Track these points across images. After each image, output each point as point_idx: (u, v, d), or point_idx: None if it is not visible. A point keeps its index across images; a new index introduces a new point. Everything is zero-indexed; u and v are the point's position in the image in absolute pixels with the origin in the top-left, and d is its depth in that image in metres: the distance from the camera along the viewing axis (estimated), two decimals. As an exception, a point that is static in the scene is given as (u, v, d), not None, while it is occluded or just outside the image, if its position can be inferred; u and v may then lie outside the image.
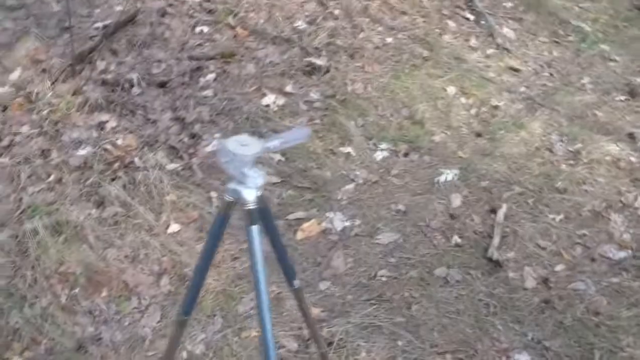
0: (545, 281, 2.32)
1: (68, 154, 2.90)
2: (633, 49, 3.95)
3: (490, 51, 3.89)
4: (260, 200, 1.28)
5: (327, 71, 3.43)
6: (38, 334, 2.21)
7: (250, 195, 1.27)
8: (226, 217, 1.35)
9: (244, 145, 1.24)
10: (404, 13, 4.06)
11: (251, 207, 1.27)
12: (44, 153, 2.91)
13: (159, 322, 2.28)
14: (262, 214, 1.30)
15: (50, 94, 3.15)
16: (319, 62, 3.48)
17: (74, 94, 3.17)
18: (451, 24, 4.07)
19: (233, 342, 2.16)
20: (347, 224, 2.73)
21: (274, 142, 1.29)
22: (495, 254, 2.44)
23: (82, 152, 2.92)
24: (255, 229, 1.28)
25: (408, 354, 2.08)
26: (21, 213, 2.63)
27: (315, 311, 2.23)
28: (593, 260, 2.42)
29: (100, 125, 3.05)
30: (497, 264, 2.41)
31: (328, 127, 3.19)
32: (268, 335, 1.33)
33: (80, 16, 3.56)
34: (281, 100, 3.24)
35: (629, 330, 2.12)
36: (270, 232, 1.38)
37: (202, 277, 1.45)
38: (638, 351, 2.04)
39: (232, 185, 1.28)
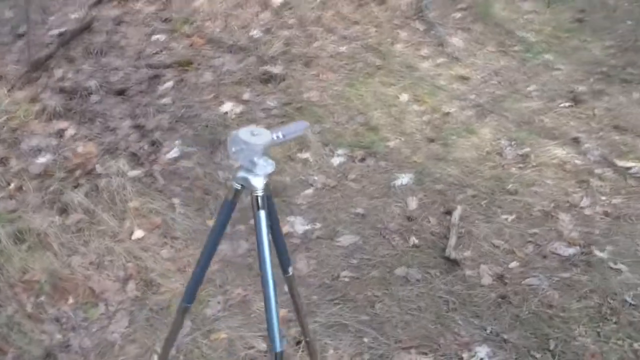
0: (500, 278, 2.48)
1: (28, 162, 2.94)
2: (575, 58, 4.18)
3: (440, 60, 4.07)
4: (267, 187, 1.40)
5: (283, 79, 3.55)
6: (4, 343, 2.24)
7: (258, 182, 1.38)
8: (234, 204, 1.44)
9: (254, 135, 1.35)
10: (356, 23, 4.22)
11: (259, 194, 1.38)
12: (3, 161, 2.94)
13: (127, 327, 2.34)
14: (267, 201, 1.41)
15: (7, 101, 3.19)
16: (275, 70, 3.60)
17: (32, 101, 3.21)
18: (403, 33, 4.25)
19: (202, 344, 2.25)
20: (308, 227, 2.84)
21: (279, 134, 1.41)
22: (452, 254, 2.59)
23: (42, 159, 2.97)
24: (262, 214, 1.39)
25: (374, 350, 2.20)
26: (-20, 221, 2.66)
27: (282, 312, 2.34)
28: (544, 257, 2.58)
29: (60, 133, 3.09)
30: (454, 263, 2.55)
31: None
32: (273, 316, 1.43)
33: (35, 23, 3.60)
34: (239, 108, 3.35)
35: (579, 320, 2.29)
36: (272, 219, 1.48)
37: (207, 264, 1.52)
38: (589, 339, 2.21)
39: (241, 174, 1.39)
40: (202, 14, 3.72)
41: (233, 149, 1.35)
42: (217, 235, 1.49)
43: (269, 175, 1.40)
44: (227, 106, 3.31)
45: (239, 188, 1.40)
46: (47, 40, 3.46)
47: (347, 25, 4.15)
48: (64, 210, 2.74)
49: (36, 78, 3.25)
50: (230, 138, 1.36)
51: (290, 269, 1.62)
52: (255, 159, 1.35)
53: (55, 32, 3.50)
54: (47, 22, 3.54)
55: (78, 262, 2.60)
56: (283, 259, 1.58)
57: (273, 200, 1.49)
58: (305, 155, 3.21)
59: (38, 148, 3.00)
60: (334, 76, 3.70)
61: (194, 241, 2.66)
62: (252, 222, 2.83)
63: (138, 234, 2.76)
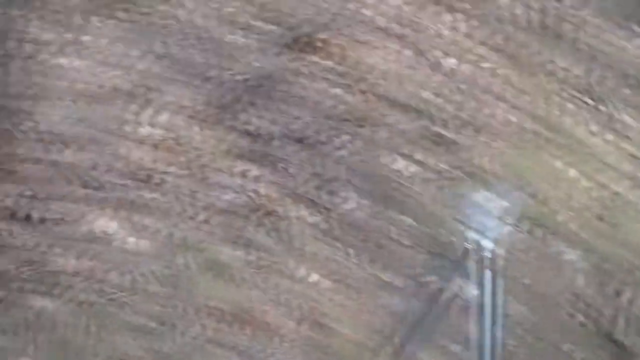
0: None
1: (214, 197, 3.23)
2: None
3: (610, 136, 4.10)
4: (495, 251, 1.52)
5: (454, 143, 3.69)
6: (187, 363, 2.45)
7: (488, 244, 1.51)
8: (461, 263, 1.58)
9: (488, 199, 1.50)
10: (526, 93, 4.32)
11: (488, 255, 1.52)
12: (192, 194, 3.23)
13: (299, 364, 2.51)
14: (494, 265, 1.54)
15: (197, 139, 3.51)
16: (446, 133, 3.75)
17: (219, 141, 3.53)
18: (571, 107, 4.31)
19: None
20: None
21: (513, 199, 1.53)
22: (621, 337, 2.58)
23: (227, 196, 3.25)
24: (489, 274, 1.51)
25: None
26: (173, 247, 2.93)
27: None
28: None
29: (244, 173, 3.38)
30: (622, 348, 2.55)
31: (454, 197, 3.43)
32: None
33: (221, 68, 3.92)
34: (411, 167, 3.53)
35: None
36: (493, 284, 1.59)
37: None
38: None
39: (471, 234, 1.53)
40: (377, 71, 3.93)
41: (467, 210, 1.49)
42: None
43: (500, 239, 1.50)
44: (400, 164, 3.49)
45: (469, 248, 1.52)
46: (233, 85, 3.76)
47: (517, 94, 4.26)
48: (246, 246, 2.98)
49: (223, 120, 3.54)
50: (465, 198, 1.50)
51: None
52: (487, 220, 1.48)
53: (241, 77, 3.80)
54: (232, 67, 3.85)
55: (257, 296, 2.81)
56: None
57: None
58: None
59: (224, 185, 3.28)
60: (503, 144, 3.80)
61: (366, 291, 2.80)
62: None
63: (314, 277, 2.94)
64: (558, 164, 3.90)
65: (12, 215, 3.16)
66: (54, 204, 3.17)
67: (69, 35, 4.19)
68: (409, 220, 3.34)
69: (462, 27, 4.71)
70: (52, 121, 3.59)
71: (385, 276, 3.00)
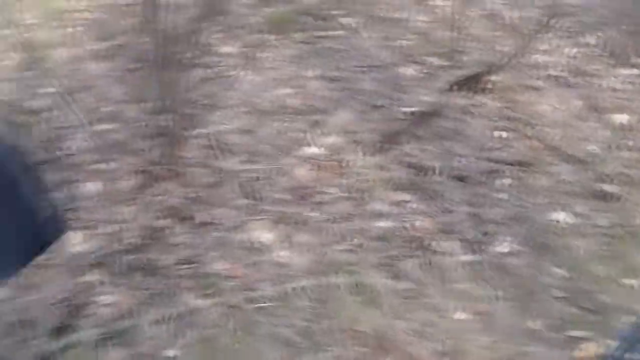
0: None
1: (370, 223, 3.33)
2: None
3: None
4: None
5: (618, 199, 3.65)
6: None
7: None
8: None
9: None
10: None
11: None
12: (349, 217, 3.37)
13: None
14: None
15: (359, 164, 3.66)
16: (610, 189, 3.74)
17: (380, 169, 3.65)
18: None
19: None
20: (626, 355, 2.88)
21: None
22: None
23: (383, 224, 3.36)
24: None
25: None
26: (325, 266, 3.07)
27: None
28: None
29: (401, 204, 3.49)
30: None
31: (612, 255, 3.39)
32: None
33: (389, 98, 4.07)
34: (570, 219, 3.52)
35: None
36: None
37: None
38: None
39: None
40: (545, 119, 3.98)
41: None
42: None
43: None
44: (559, 215, 3.51)
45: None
46: (400, 116, 3.89)
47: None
48: (396, 276, 3.06)
49: (387, 149, 3.69)
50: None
51: None
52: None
53: (408, 109, 3.93)
54: (401, 99, 3.99)
55: (402, 326, 2.88)
56: None
57: None
58: (632, 281, 3.26)
59: (381, 213, 3.39)
60: (671, 212, 3.73)
61: (511, 336, 2.83)
62: (569, 333, 2.95)
63: (460, 315, 2.99)
64: None
65: (176, 215, 3.39)
66: (215, 209, 3.38)
67: (247, 50, 4.47)
68: (563, 273, 3.33)
69: (638, 83, 4.67)
70: (222, 130, 3.84)
71: (533, 324, 3.00)
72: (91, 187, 3.67)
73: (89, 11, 5.14)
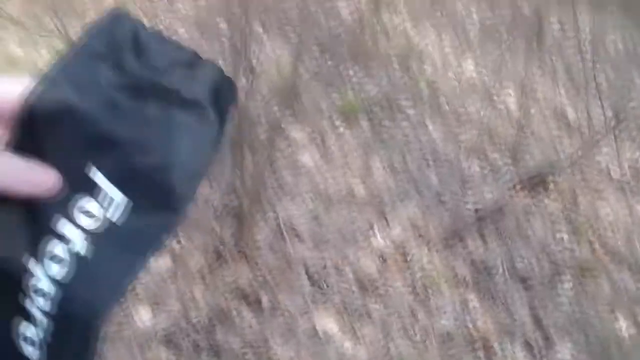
0: None
1: (433, 319, 3.41)
2: None
3: None
4: None
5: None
6: None
7: None
8: None
9: None
10: None
11: None
12: (413, 312, 3.45)
13: None
14: None
15: (424, 259, 3.75)
16: (675, 300, 3.75)
17: (445, 265, 3.73)
18: None
19: None
20: None
21: None
22: None
23: (446, 322, 3.43)
24: None
25: None
26: (388, 360, 3.15)
27: None
28: None
29: (464, 302, 3.56)
30: None
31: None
32: None
33: (454, 193, 4.18)
34: (632, 329, 3.53)
35: None
36: None
37: None
38: None
39: None
40: (607, 223, 4.03)
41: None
42: None
43: None
44: (622, 323, 3.52)
45: None
46: (464, 213, 3.98)
47: None
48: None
49: (451, 245, 3.77)
50: None
51: None
52: None
53: (472, 206, 4.02)
54: (466, 195, 4.09)
55: None
56: None
57: None
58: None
59: (444, 310, 3.46)
60: None
61: None
62: None
63: None
64: None
65: (244, 297, 3.52)
66: (282, 294, 3.50)
67: (316, 136, 4.64)
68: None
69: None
70: (291, 215, 3.97)
71: None
72: (161, 262, 3.81)
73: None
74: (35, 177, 0.50)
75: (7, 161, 0.49)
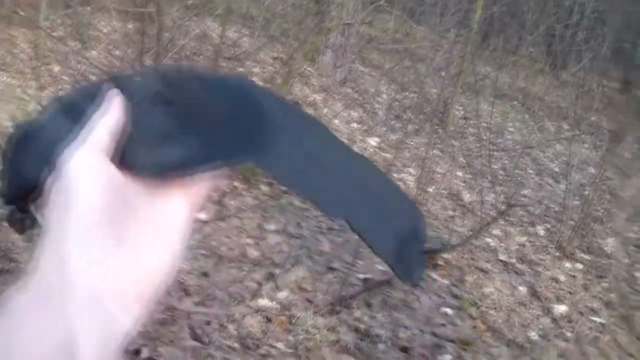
0: None
1: (314, 385, 3.41)
2: None
3: None
4: None
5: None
6: None
7: None
8: None
9: None
10: (631, 356, 4.45)
11: None
12: (294, 375, 3.45)
13: None
14: None
15: (309, 322, 3.77)
16: (549, 379, 3.87)
17: (329, 330, 3.77)
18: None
19: None
20: None
21: None
22: None
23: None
24: None
25: None
26: None
27: None
28: None
29: (347, 369, 3.57)
30: None
31: None
32: None
33: (345, 262, 4.25)
34: (508, 404, 3.63)
35: None
36: None
37: None
38: None
39: None
40: (489, 301, 4.17)
41: None
42: None
43: None
44: (497, 398, 3.60)
45: None
46: (353, 281, 4.06)
47: (621, 355, 4.38)
48: None
49: (337, 311, 3.82)
50: None
51: None
52: None
53: (361, 276, 4.10)
54: (355, 264, 4.17)
55: None
56: None
57: None
58: None
59: (326, 375, 3.46)
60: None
61: None
62: None
63: None
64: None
65: (124, 350, 3.46)
66: (162, 347, 3.46)
67: (214, 194, 4.66)
68: None
69: (580, 277, 4.95)
70: (180, 269, 3.95)
71: None
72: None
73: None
74: None
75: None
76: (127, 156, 0.57)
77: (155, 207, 0.58)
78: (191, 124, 0.60)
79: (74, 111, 0.59)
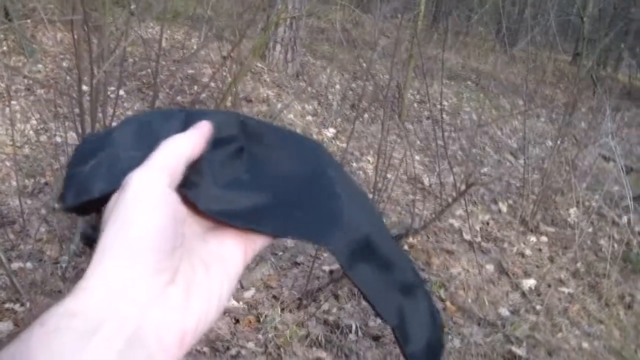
0: None
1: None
2: None
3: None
4: None
5: (526, 362, 3.81)
6: None
7: None
8: None
9: None
10: (601, 322, 4.46)
11: None
12: (270, 372, 3.40)
13: None
14: None
15: (278, 319, 3.73)
16: (519, 352, 3.89)
17: (298, 325, 3.73)
18: (649, 344, 4.41)
19: None
20: None
21: None
22: None
23: (298, 382, 3.39)
24: None
25: None
26: None
27: None
28: None
29: (317, 361, 3.53)
30: None
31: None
32: None
33: (309, 255, 4.21)
34: (480, 381, 3.63)
35: None
36: None
37: None
38: None
39: None
40: (457, 282, 4.17)
41: None
42: None
43: None
44: (471, 376, 3.60)
45: None
46: (319, 274, 4.01)
47: (591, 323, 4.40)
48: None
49: (306, 305, 3.77)
50: None
51: None
52: None
53: (327, 268, 4.06)
54: (320, 257, 4.13)
55: None
56: None
57: None
58: None
59: (297, 370, 3.42)
60: (577, 373, 3.90)
61: None
62: None
63: None
64: (633, 402, 3.95)
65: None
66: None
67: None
68: None
69: (545, 250, 4.97)
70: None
71: None
72: (1, 326, 3.61)
73: (17, 146, 5.21)
74: None
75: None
76: (190, 188, 0.55)
77: (209, 248, 0.55)
78: (264, 178, 0.59)
79: (147, 132, 0.58)
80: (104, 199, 0.54)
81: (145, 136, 0.58)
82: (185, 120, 0.59)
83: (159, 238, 0.48)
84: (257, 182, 0.59)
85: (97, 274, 0.47)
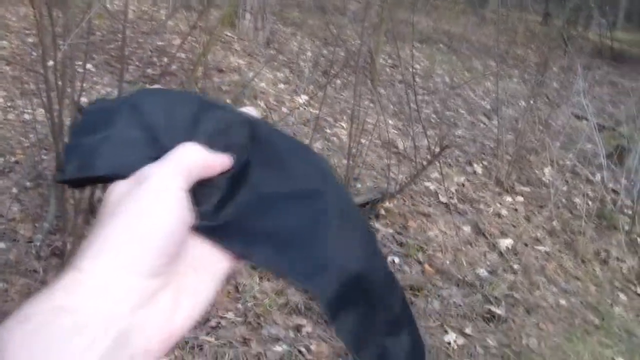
0: None
1: (266, 347, 3.37)
2: None
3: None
4: None
5: (505, 321, 3.87)
6: None
7: None
8: None
9: None
10: (577, 279, 4.52)
11: None
12: (246, 341, 3.40)
13: None
14: None
15: (256, 288, 3.72)
16: (498, 311, 3.93)
17: (277, 294, 3.73)
18: (623, 297, 4.46)
19: None
20: None
21: None
22: None
23: (279, 348, 3.41)
24: None
25: None
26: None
27: None
28: None
29: (297, 328, 3.56)
30: None
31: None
32: None
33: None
34: (460, 340, 3.68)
35: None
36: None
37: None
38: None
39: None
40: (435, 244, 4.18)
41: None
42: None
43: None
44: (450, 336, 3.66)
45: None
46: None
47: (568, 279, 4.45)
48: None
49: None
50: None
51: None
52: None
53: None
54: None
55: None
56: None
57: None
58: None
59: (277, 337, 3.44)
60: (552, 327, 3.96)
61: None
62: None
63: None
64: (607, 352, 4.01)
65: None
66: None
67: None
68: None
69: (521, 209, 5.00)
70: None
71: None
72: (-20, 309, 3.57)
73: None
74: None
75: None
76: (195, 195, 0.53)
77: (198, 252, 0.54)
78: (258, 201, 0.57)
79: (160, 114, 0.56)
80: (105, 178, 0.53)
81: (158, 119, 0.56)
82: (199, 109, 0.57)
83: (167, 241, 0.48)
84: (251, 208, 0.57)
85: (95, 265, 0.46)
